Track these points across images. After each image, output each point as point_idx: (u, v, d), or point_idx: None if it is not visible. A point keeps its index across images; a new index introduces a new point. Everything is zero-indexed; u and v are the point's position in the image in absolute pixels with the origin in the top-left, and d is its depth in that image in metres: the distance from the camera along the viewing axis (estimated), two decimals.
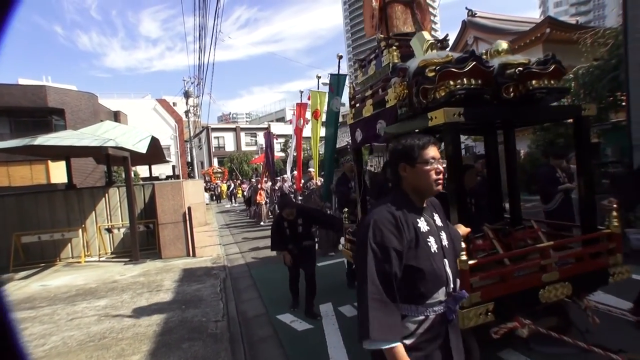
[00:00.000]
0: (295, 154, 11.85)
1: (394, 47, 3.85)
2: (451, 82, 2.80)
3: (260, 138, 52.29)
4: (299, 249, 5.07)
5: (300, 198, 10.38)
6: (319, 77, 9.42)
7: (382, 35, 4.06)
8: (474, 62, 2.82)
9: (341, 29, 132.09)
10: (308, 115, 10.27)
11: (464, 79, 2.81)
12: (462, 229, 2.34)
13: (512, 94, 3.08)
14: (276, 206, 12.77)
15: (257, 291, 6.30)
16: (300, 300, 5.28)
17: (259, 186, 15.27)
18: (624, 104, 8.26)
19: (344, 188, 6.32)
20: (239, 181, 33.62)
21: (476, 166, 7.26)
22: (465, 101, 2.81)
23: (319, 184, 9.25)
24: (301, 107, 10.73)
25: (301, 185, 10.68)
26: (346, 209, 5.24)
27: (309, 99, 9.46)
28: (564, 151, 6.48)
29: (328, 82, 8.03)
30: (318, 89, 9.47)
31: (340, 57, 8.02)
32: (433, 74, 2.88)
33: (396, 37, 3.98)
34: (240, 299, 5.93)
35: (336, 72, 7.19)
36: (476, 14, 22.13)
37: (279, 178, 14.91)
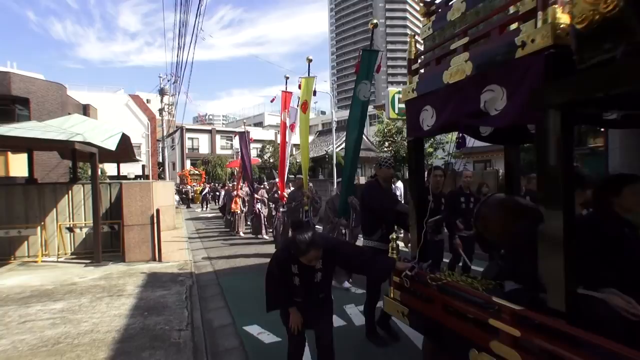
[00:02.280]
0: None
1: None
2: None
3: (237, 141, 52.20)
4: (312, 303, 3.31)
5: (283, 210, 9.57)
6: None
7: None
8: None
9: (326, 36, 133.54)
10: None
11: None
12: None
13: None
14: (274, 238, 11.52)
15: (224, 300, 6.24)
16: None
17: (235, 193, 14.13)
18: (602, 129, 8.60)
19: (387, 202, 4.55)
20: (219, 185, 33.39)
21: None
22: None
23: (311, 194, 8.04)
24: (287, 95, 9.32)
25: (283, 195, 9.64)
26: (394, 235, 3.72)
27: (299, 87, 8.16)
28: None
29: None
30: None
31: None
32: None
33: None
34: (207, 308, 5.87)
35: (368, 47, 5.64)
36: None
37: (262, 185, 14.09)
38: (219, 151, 49.56)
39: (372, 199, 4.57)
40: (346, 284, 6.88)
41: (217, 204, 31.41)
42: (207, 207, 27.31)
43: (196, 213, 24.21)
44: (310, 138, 38.76)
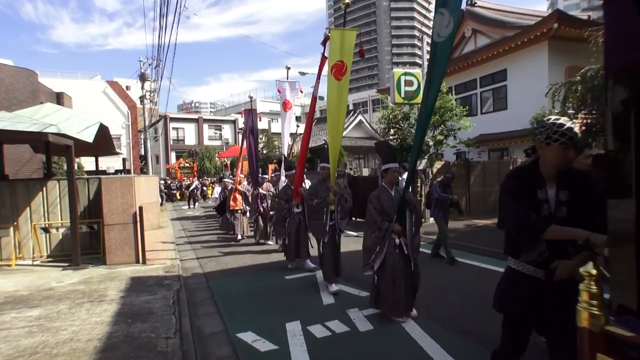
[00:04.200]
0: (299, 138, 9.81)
1: None
2: None
3: (227, 130, 52.11)
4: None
5: (298, 211, 8.19)
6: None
7: None
8: None
9: (324, 13, 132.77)
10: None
11: None
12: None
13: None
14: (256, 214, 11.46)
15: (215, 305, 6.28)
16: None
17: (235, 187, 12.66)
18: None
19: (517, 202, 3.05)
20: (210, 179, 33.42)
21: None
22: None
23: (339, 190, 6.84)
24: (323, 62, 7.39)
25: (300, 190, 7.97)
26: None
27: (323, 43, 7.03)
28: None
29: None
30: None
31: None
32: None
33: None
34: (196, 314, 5.91)
35: None
36: (476, 2, 22.55)
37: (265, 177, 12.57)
38: (206, 142, 49.63)
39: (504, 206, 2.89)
40: (290, 265, 7.76)
41: (205, 200, 31.50)
42: (194, 205, 27.19)
43: (182, 211, 24.16)
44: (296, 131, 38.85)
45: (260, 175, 12.17)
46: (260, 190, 11.42)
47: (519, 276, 2.84)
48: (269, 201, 11.02)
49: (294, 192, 8.05)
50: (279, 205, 8.79)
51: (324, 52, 7.06)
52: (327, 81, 6.80)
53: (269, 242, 11.18)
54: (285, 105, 9.88)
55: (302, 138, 8.41)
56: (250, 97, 12.50)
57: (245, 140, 12.55)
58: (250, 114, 12.20)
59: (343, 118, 6.94)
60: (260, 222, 11.50)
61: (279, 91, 9.89)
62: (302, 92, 10.28)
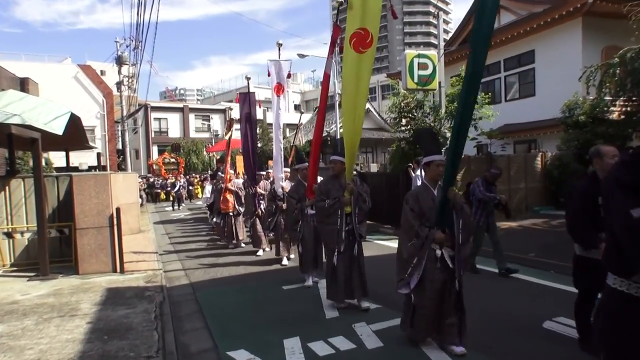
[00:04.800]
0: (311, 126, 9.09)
1: None
2: None
3: (216, 120, 52.09)
4: None
5: (312, 212, 7.63)
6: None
7: None
8: None
9: None
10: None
11: None
12: None
13: None
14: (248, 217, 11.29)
15: (203, 319, 6.27)
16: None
17: (224, 186, 12.17)
18: None
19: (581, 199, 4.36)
20: (198, 177, 33.33)
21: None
22: None
23: (356, 188, 6.40)
24: (336, 31, 7.20)
25: (313, 187, 7.29)
26: None
27: (336, 9, 6.63)
28: None
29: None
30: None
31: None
32: None
33: None
34: (181, 329, 5.90)
35: None
36: None
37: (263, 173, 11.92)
38: (193, 134, 49.61)
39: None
40: (310, 281, 7.52)
41: (192, 201, 31.50)
42: (179, 206, 27.27)
43: (166, 214, 24.19)
44: (307, 116, 38.75)
45: (257, 172, 11.67)
46: (258, 189, 11.09)
47: (634, 303, 2.36)
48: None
49: (307, 190, 7.61)
50: (289, 206, 8.44)
51: (336, 20, 6.91)
52: (344, 55, 6.20)
53: (266, 249, 11.07)
54: (277, 89, 9.75)
55: (315, 125, 7.88)
56: (248, 78, 12.08)
57: (240, 129, 11.88)
58: (247, 98, 11.53)
59: (364, 101, 6.39)
60: (258, 227, 11.07)
61: (268, 74, 9.74)
62: (290, 77, 9.92)
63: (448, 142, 14.01)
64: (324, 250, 7.06)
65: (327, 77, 7.23)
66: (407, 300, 4.95)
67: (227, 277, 8.77)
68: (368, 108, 32.01)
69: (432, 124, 14.43)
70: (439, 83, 14.10)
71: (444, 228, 4.63)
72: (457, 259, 4.63)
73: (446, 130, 14.13)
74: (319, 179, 7.25)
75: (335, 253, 6.34)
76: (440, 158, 4.89)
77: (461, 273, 4.68)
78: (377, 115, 32.20)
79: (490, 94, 16.98)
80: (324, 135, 17.04)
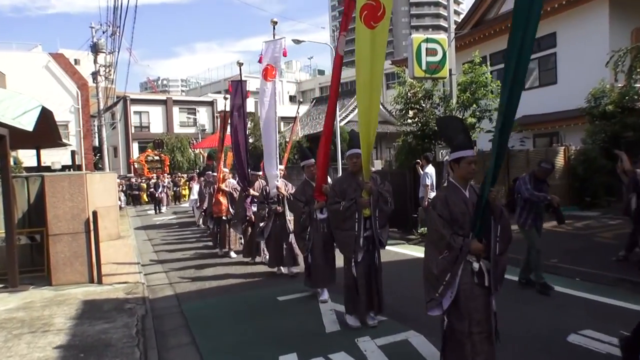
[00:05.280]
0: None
1: None
2: None
3: (203, 114, 52.06)
4: None
5: (322, 217, 7.40)
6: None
7: None
8: None
9: None
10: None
11: None
12: None
13: None
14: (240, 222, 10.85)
15: (190, 335, 6.28)
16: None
17: (217, 187, 12.01)
18: None
19: None
20: (184, 177, 33.18)
21: None
22: None
23: (375, 187, 6.21)
24: (349, 4, 6.93)
25: (324, 188, 7.15)
26: None
27: None
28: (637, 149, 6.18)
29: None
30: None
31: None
32: None
33: None
34: (166, 346, 5.91)
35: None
36: None
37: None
38: (177, 129, 49.58)
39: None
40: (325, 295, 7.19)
41: (179, 203, 31.45)
42: (161, 209, 27.33)
43: (148, 217, 24.14)
44: (304, 108, 38.73)
45: (252, 171, 11.14)
46: (251, 191, 10.66)
47: None
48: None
49: (316, 191, 7.30)
50: (295, 210, 8.11)
51: None
52: (356, 34, 5.95)
53: (265, 259, 10.26)
54: (267, 73, 9.32)
55: (325, 114, 7.66)
56: (240, 64, 11.63)
57: (231, 122, 11.59)
58: (240, 87, 11.19)
59: (379, 82, 6.14)
60: (251, 233, 10.68)
61: (260, 60, 9.48)
62: (285, 54, 9.64)
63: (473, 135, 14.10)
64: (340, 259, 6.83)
65: (339, 59, 7.09)
66: (441, 325, 4.53)
67: (216, 287, 8.77)
68: None
69: (442, 116, 14.38)
70: (450, 70, 14.02)
71: (481, 237, 4.23)
72: (493, 274, 4.24)
73: None
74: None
75: (353, 263, 6.12)
76: (472, 154, 4.44)
77: (498, 289, 4.31)
78: (381, 106, 32.18)
79: None
80: (322, 130, 16.85)
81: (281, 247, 9.19)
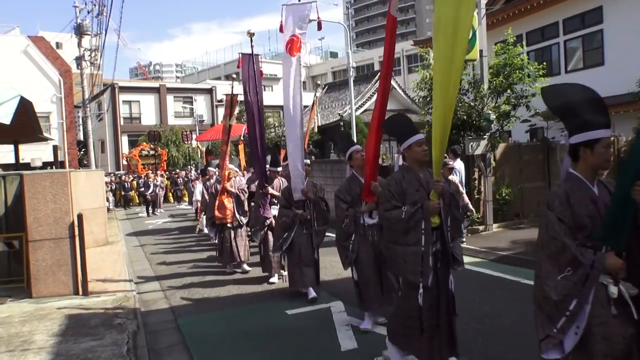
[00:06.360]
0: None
1: None
2: None
3: (200, 103, 52.06)
4: None
5: (372, 222, 6.63)
6: None
7: None
8: None
9: None
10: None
11: None
12: None
13: None
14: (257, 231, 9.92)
15: (187, 353, 6.29)
16: None
17: (221, 187, 10.89)
18: None
19: None
20: (179, 174, 33.04)
21: None
22: None
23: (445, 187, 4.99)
24: None
25: (374, 186, 6.36)
26: None
27: None
28: None
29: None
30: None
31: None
32: None
33: None
34: None
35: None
36: None
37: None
38: (172, 121, 49.66)
39: None
40: (368, 323, 6.38)
41: (179, 204, 31.40)
42: (154, 211, 27.45)
43: (140, 221, 24.19)
44: (310, 95, 38.55)
45: (268, 167, 10.24)
46: (270, 189, 9.87)
47: None
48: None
49: (364, 190, 6.56)
50: (337, 212, 6.98)
51: None
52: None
53: (284, 273, 9.59)
54: (292, 45, 8.36)
55: (377, 94, 6.91)
56: (251, 34, 10.27)
57: (245, 101, 10.15)
58: (251, 60, 9.99)
59: (462, 58, 4.68)
60: (271, 243, 9.71)
61: (281, 29, 8.29)
62: (320, 26, 8.83)
63: (493, 125, 14.00)
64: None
65: (392, 21, 6.32)
66: None
67: (215, 299, 8.77)
68: (392, 85, 31.91)
69: (472, 103, 14.29)
70: (480, 52, 13.89)
71: (621, 250, 3.37)
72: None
73: (490, 112, 13.98)
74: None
75: (421, 290, 4.79)
76: (609, 134, 3.62)
77: None
78: (401, 92, 32.04)
79: (545, 63, 16.71)
80: (335, 120, 16.42)
81: (304, 264, 8.30)
